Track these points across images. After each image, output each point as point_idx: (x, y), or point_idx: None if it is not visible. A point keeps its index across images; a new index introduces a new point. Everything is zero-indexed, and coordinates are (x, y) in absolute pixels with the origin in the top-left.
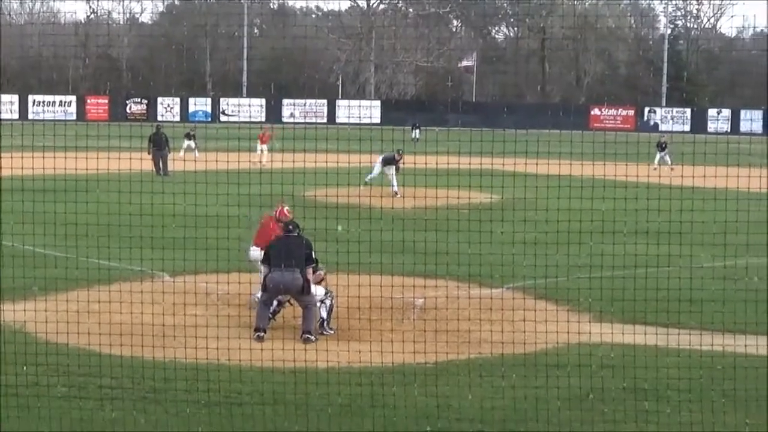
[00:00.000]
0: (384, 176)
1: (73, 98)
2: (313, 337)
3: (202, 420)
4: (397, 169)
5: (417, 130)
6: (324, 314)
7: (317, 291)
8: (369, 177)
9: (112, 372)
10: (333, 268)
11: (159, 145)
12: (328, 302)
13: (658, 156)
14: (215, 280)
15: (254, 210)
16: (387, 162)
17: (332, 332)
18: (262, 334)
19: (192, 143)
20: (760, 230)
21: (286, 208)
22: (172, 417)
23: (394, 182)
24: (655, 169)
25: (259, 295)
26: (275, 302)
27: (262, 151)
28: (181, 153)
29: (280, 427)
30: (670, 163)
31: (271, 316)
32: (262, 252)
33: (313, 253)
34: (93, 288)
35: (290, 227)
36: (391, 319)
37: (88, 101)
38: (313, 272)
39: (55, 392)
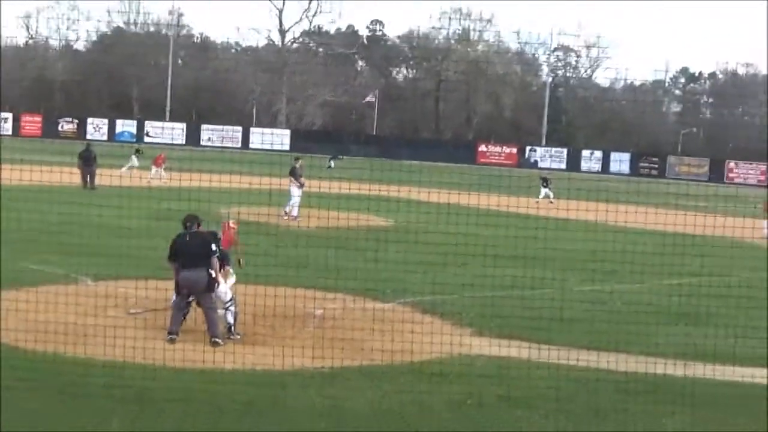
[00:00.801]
0: (292, 197)
1: (9, 115)
2: (221, 341)
3: (116, 413)
4: (301, 185)
5: (333, 161)
6: (231, 319)
7: (225, 291)
8: (289, 206)
9: (34, 366)
10: (242, 279)
11: (88, 161)
12: (232, 309)
13: (542, 192)
14: (134, 286)
15: (171, 223)
16: (293, 174)
17: (239, 337)
18: (174, 336)
19: (136, 161)
20: (624, 259)
21: (231, 222)
22: (88, 410)
23: (296, 207)
24: (537, 202)
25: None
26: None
27: (157, 171)
28: (124, 169)
29: (189, 423)
30: (551, 197)
31: (182, 318)
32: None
33: (213, 246)
34: (20, 289)
35: (187, 224)
36: (292, 326)
37: (23, 119)
38: (221, 267)
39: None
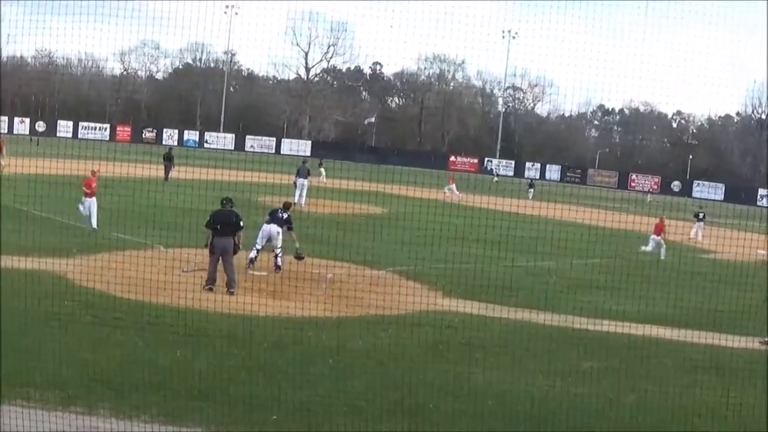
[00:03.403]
0: (300, 188)
1: (107, 125)
2: (234, 292)
3: (179, 345)
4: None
5: (323, 169)
6: (279, 262)
7: (280, 245)
8: (298, 197)
9: (122, 308)
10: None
11: (169, 160)
12: (280, 255)
13: (530, 192)
14: (193, 252)
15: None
16: (301, 175)
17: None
18: (212, 286)
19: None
20: (555, 244)
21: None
22: (160, 342)
23: (304, 194)
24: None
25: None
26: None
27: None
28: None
29: (232, 354)
30: (529, 196)
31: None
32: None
33: (241, 222)
34: (112, 252)
35: (224, 201)
36: (310, 286)
37: (118, 128)
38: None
39: (84, 319)
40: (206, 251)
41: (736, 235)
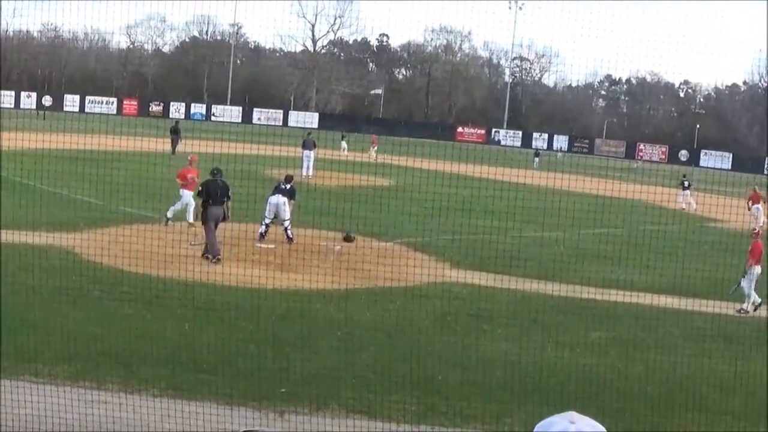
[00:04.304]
0: (306, 160)
1: (114, 99)
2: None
3: (187, 319)
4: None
5: (344, 142)
6: (290, 234)
7: (288, 217)
8: (306, 169)
9: (130, 282)
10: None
11: (176, 133)
12: (289, 226)
13: (536, 161)
14: (200, 225)
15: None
16: (307, 146)
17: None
18: (219, 257)
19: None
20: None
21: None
22: (168, 315)
23: (311, 165)
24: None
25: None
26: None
27: None
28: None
29: (240, 327)
30: (535, 166)
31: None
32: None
33: (229, 191)
34: (119, 226)
35: (214, 172)
36: (318, 258)
37: (124, 102)
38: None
39: (92, 294)
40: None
41: (743, 203)
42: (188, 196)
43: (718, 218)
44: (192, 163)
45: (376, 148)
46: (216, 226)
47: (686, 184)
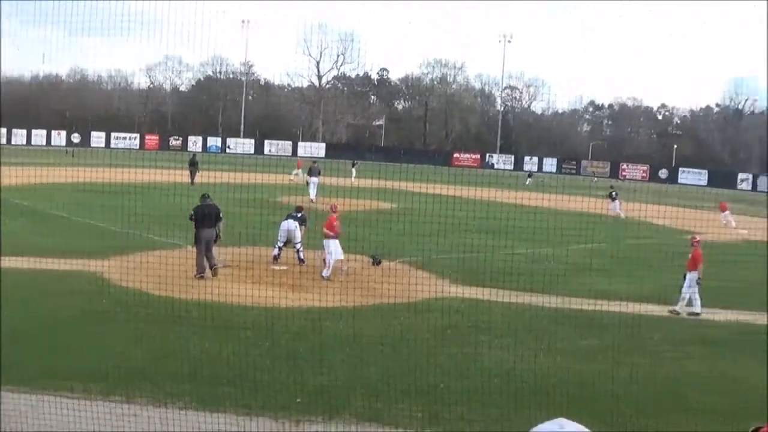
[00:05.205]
0: (312, 186)
1: (137, 135)
2: (216, 271)
3: (208, 336)
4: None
5: (354, 170)
6: (301, 255)
7: (299, 240)
8: (313, 194)
9: (154, 304)
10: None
11: (194, 165)
12: (301, 249)
13: (529, 181)
14: (219, 251)
15: (245, 208)
16: (313, 173)
17: (304, 264)
18: (203, 274)
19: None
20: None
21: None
22: (191, 334)
23: (314, 192)
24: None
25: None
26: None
27: None
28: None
29: (257, 344)
30: (529, 185)
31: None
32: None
33: (220, 213)
34: (143, 252)
35: (204, 197)
36: (327, 278)
37: (146, 137)
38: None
39: (120, 316)
40: (225, 250)
41: (718, 217)
42: (333, 244)
43: (695, 231)
44: (335, 210)
45: (298, 170)
46: (209, 247)
47: (614, 195)
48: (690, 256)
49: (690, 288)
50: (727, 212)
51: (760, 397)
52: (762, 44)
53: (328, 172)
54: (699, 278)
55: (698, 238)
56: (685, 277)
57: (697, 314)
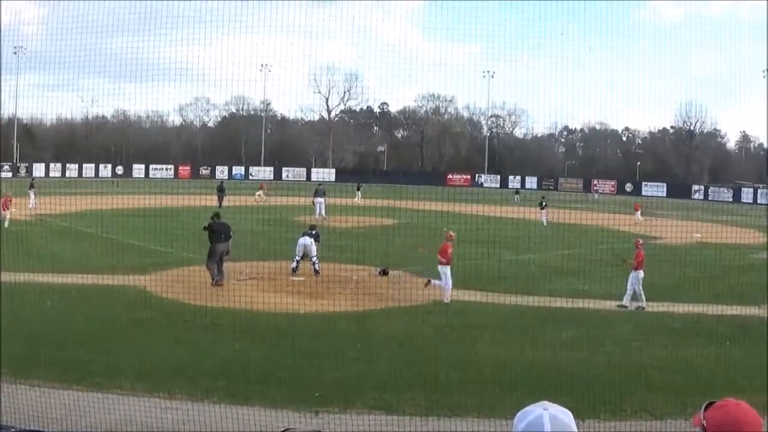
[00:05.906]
0: (318, 206)
1: (171, 166)
2: (222, 282)
3: (238, 339)
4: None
5: (359, 192)
6: (317, 267)
7: (316, 254)
8: (318, 213)
9: (190, 312)
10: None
11: (221, 191)
12: (317, 261)
13: (516, 197)
14: (244, 264)
15: (268, 227)
16: (318, 194)
17: (320, 274)
18: (217, 281)
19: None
20: (534, 239)
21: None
22: (222, 338)
23: (323, 210)
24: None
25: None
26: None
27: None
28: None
29: (278, 345)
30: (517, 202)
31: (216, 270)
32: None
33: (230, 231)
34: (180, 268)
35: (215, 216)
36: (339, 286)
37: (180, 168)
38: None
39: (161, 322)
40: (253, 264)
41: (676, 223)
42: (445, 272)
43: (657, 236)
44: (450, 239)
45: (263, 191)
46: (222, 259)
47: (543, 204)
48: (634, 256)
49: (634, 284)
50: (638, 212)
51: (713, 376)
52: (709, 72)
53: (337, 194)
54: (640, 275)
55: (641, 241)
56: (629, 276)
57: (643, 308)
